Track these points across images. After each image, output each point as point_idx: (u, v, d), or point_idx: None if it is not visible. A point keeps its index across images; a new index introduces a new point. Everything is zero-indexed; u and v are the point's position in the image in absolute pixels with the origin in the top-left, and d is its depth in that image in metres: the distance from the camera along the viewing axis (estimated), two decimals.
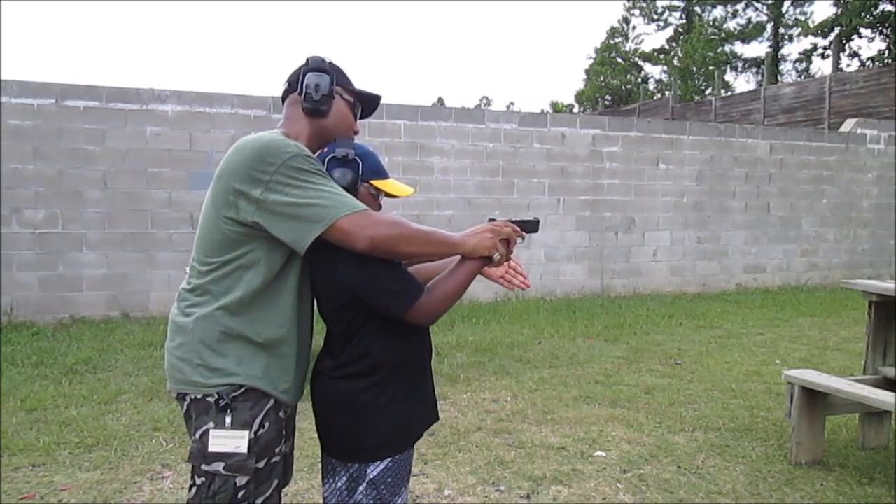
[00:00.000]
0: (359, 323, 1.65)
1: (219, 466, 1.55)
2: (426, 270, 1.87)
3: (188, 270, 1.70)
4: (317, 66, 1.72)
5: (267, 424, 1.61)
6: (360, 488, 1.67)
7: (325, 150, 1.74)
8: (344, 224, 1.51)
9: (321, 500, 3.07)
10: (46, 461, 3.42)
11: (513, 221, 1.75)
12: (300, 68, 1.74)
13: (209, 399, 1.58)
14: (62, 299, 6.94)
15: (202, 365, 1.59)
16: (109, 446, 3.60)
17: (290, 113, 1.74)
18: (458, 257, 1.70)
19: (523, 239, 1.77)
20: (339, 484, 1.70)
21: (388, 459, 1.68)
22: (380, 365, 1.66)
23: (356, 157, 1.72)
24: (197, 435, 1.58)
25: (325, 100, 1.70)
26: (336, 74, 1.74)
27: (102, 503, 3.00)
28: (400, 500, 1.71)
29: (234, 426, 1.57)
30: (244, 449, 1.56)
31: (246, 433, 1.57)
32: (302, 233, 1.52)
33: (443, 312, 1.65)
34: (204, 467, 1.56)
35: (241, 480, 1.56)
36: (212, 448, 1.55)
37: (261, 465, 1.59)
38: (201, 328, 1.59)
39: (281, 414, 1.66)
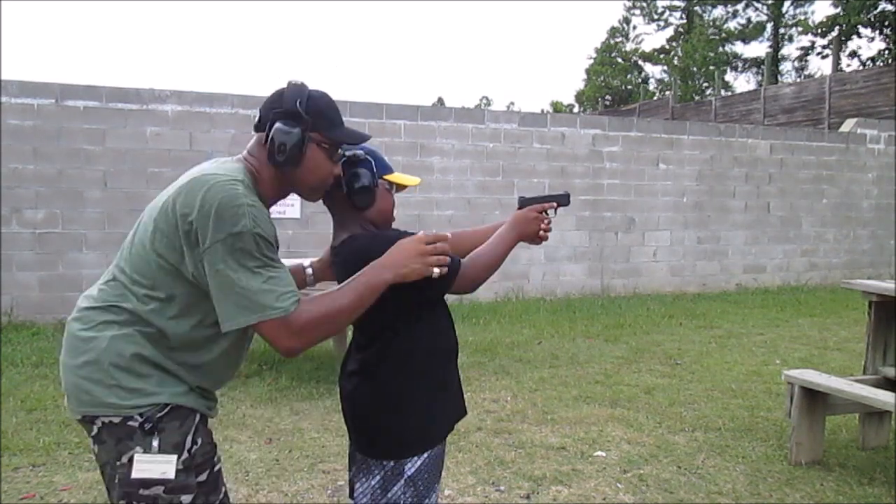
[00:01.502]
0: (386, 321, 1.68)
1: (159, 490, 1.45)
2: (463, 242, 1.93)
3: (104, 277, 1.56)
4: (289, 111, 1.53)
5: (199, 440, 1.54)
6: (396, 487, 1.68)
7: None
8: (267, 328, 1.43)
9: (324, 500, 3.08)
10: (46, 461, 3.42)
11: (545, 197, 1.82)
12: (273, 103, 1.56)
13: (131, 423, 1.46)
14: (62, 299, 6.94)
15: (117, 386, 1.46)
16: None
17: (257, 153, 1.59)
18: (497, 228, 1.78)
19: (555, 213, 1.83)
20: (374, 482, 1.71)
21: (425, 454, 1.70)
22: (409, 361, 1.69)
23: (366, 157, 1.73)
24: (123, 460, 1.46)
25: (290, 160, 1.53)
26: (314, 119, 1.55)
27: (102, 503, 3.00)
28: (434, 495, 1.74)
29: (162, 449, 1.47)
30: (171, 475, 1.46)
31: (173, 458, 1.47)
32: (230, 314, 1.44)
33: (483, 280, 1.70)
34: (143, 492, 1.45)
35: (186, 499, 1.48)
36: (135, 475, 1.44)
37: (203, 478, 1.54)
38: (115, 347, 1.47)
39: (208, 425, 1.61)
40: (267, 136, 1.54)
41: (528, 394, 4.63)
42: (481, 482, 3.23)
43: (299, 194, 1.67)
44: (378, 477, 1.70)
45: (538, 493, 3.12)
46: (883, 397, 3.17)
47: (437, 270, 1.57)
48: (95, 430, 1.50)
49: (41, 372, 5.02)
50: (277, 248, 1.55)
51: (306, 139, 1.54)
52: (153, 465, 1.46)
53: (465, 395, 1.89)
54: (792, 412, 3.52)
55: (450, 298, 1.80)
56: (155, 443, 1.47)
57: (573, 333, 6.65)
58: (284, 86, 1.58)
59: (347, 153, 1.71)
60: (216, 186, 1.44)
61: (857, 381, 3.58)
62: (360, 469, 1.75)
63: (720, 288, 9.68)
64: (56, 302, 6.92)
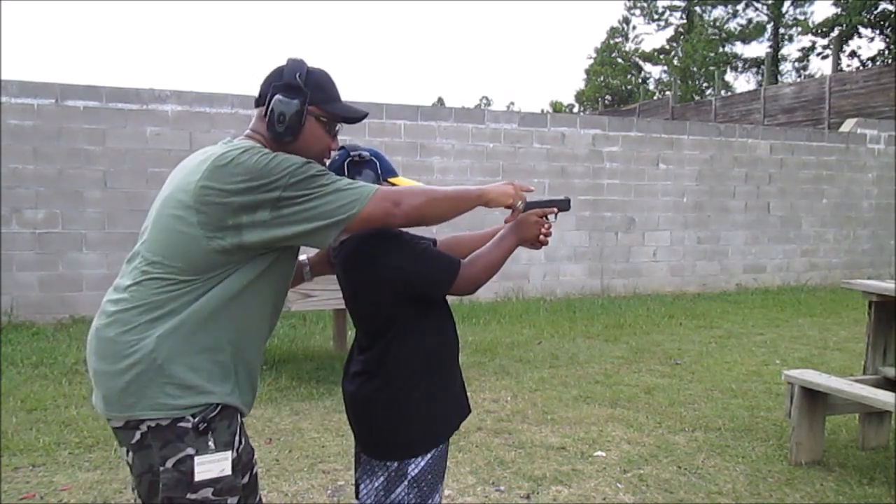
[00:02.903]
0: (388, 322, 1.69)
1: (208, 492, 1.46)
2: (464, 246, 1.94)
3: (131, 277, 1.53)
4: (288, 84, 1.57)
5: (243, 440, 1.56)
6: (399, 488, 1.69)
7: (337, 156, 1.75)
8: (371, 210, 1.51)
9: (324, 500, 3.08)
10: (46, 461, 3.42)
11: (545, 201, 1.83)
12: (273, 78, 1.60)
13: (182, 424, 1.46)
14: (62, 299, 6.94)
15: (171, 383, 1.46)
16: (109, 446, 3.59)
17: (258, 127, 1.63)
18: (496, 232, 1.79)
19: (555, 217, 1.85)
20: (377, 483, 1.72)
21: (429, 455, 1.71)
22: (411, 362, 1.70)
23: (371, 158, 1.74)
24: (168, 465, 1.45)
25: (289, 130, 1.57)
26: (311, 92, 1.59)
27: (102, 503, 3.00)
28: (437, 495, 1.74)
29: (217, 448, 1.48)
30: (229, 471, 1.48)
31: (228, 454, 1.49)
32: (329, 234, 1.51)
33: (483, 282, 1.71)
34: (191, 496, 1.45)
35: (233, 501, 1.49)
36: (199, 476, 1.45)
37: (245, 480, 1.55)
38: (166, 344, 1.46)
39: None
40: (267, 108, 1.57)
41: (528, 394, 4.63)
42: (481, 482, 3.23)
43: None
44: (382, 478, 1.70)
45: (538, 493, 3.12)
46: (883, 397, 3.17)
47: (520, 203, 1.75)
48: (138, 435, 1.47)
49: (41, 372, 5.01)
50: None
51: (305, 111, 1.58)
52: (213, 465, 1.46)
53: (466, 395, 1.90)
54: (792, 412, 3.52)
55: (450, 299, 1.80)
56: (210, 442, 1.47)
57: (573, 333, 6.65)
58: (284, 62, 1.63)
59: (352, 153, 1.72)
60: (246, 153, 1.50)
61: (857, 381, 3.58)
62: (364, 470, 1.76)
63: (720, 288, 9.68)
64: (56, 302, 6.92)
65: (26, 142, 6.79)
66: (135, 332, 1.47)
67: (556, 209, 1.83)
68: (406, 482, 1.68)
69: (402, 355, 1.69)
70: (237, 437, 1.53)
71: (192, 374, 1.47)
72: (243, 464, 1.54)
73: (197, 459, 1.45)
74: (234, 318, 1.53)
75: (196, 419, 1.46)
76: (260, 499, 1.65)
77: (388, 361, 1.69)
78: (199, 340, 1.49)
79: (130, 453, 1.50)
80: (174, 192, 1.53)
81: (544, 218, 1.81)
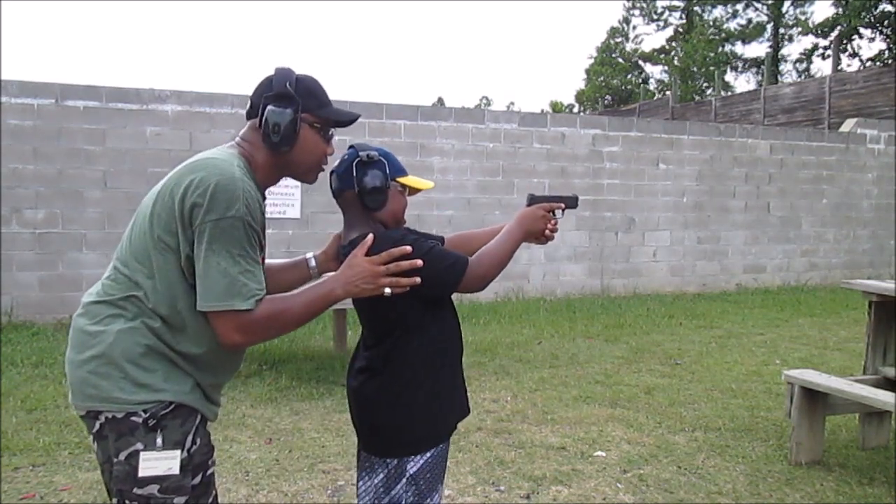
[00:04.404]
0: (395, 320, 1.70)
1: (153, 489, 1.46)
2: (471, 242, 1.93)
3: (108, 271, 1.58)
4: (279, 94, 1.56)
5: (199, 440, 1.54)
6: (398, 486, 1.69)
7: (346, 155, 1.74)
8: (222, 319, 1.46)
9: (324, 500, 3.08)
10: (46, 461, 3.42)
11: (553, 197, 1.84)
12: (262, 89, 1.59)
13: (134, 419, 1.47)
14: (62, 299, 6.93)
15: (125, 379, 1.47)
16: None
17: (250, 137, 1.61)
18: (503, 228, 1.80)
19: (562, 214, 1.86)
20: (377, 481, 1.72)
21: (428, 453, 1.71)
22: (415, 360, 1.70)
23: (380, 158, 1.73)
24: (121, 457, 1.47)
25: (285, 140, 1.56)
26: (304, 99, 1.58)
27: (102, 503, 3.00)
28: (437, 495, 1.74)
29: (165, 446, 1.48)
30: (176, 470, 1.48)
31: (178, 453, 1.49)
32: (203, 295, 1.46)
33: (492, 277, 1.71)
34: (137, 491, 1.46)
35: (179, 501, 1.49)
36: (142, 472, 1.46)
37: (196, 481, 1.54)
38: (124, 341, 1.48)
39: (208, 427, 1.61)
40: (260, 119, 1.56)
41: (528, 394, 4.63)
42: (481, 482, 3.23)
43: (295, 177, 1.68)
44: (381, 475, 1.71)
45: (538, 493, 3.12)
46: (883, 397, 3.17)
47: (388, 291, 1.60)
48: (98, 425, 1.50)
49: (41, 372, 5.02)
50: (264, 236, 1.58)
51: (299, 119, 1.57)
52: (159, 462, 1.47)
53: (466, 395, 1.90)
54: (792, 412, 3.52)
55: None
56: (159, 440, 1.47)
57: (573, 333, 6.65)
58: (272, 72, 1.62)
59: (361, 153, 1.71)
60: (215, 170, 1.48)
61: (857, 381, 3.58)
62: (363, 467, 1.76)
63: (720, 288, 9.68)
64: (56, 302, 6.91)
65: (26, 142, 6.79)
66: (100, 325, 1.51)
67: (563, 205, 1.85)
68: (405, 479, 1.69)
69: (407, 353, 1.70)
70: (190, 438, 1.52)
71: (146, 374, 1.49)
72: (195, 465, 1.53)
73: (142, 455, 1.46)
74: (197, 323, 1.52)
75: (147, 415, 1.47)
76: (215, 498, 1.62)
77: (393, 359, 1.70)
78: (155, 345, 1.50)
79: (94, 442, 1.54)
80: (154, 191, 1.57)
81: (551, 213, 1.82)
